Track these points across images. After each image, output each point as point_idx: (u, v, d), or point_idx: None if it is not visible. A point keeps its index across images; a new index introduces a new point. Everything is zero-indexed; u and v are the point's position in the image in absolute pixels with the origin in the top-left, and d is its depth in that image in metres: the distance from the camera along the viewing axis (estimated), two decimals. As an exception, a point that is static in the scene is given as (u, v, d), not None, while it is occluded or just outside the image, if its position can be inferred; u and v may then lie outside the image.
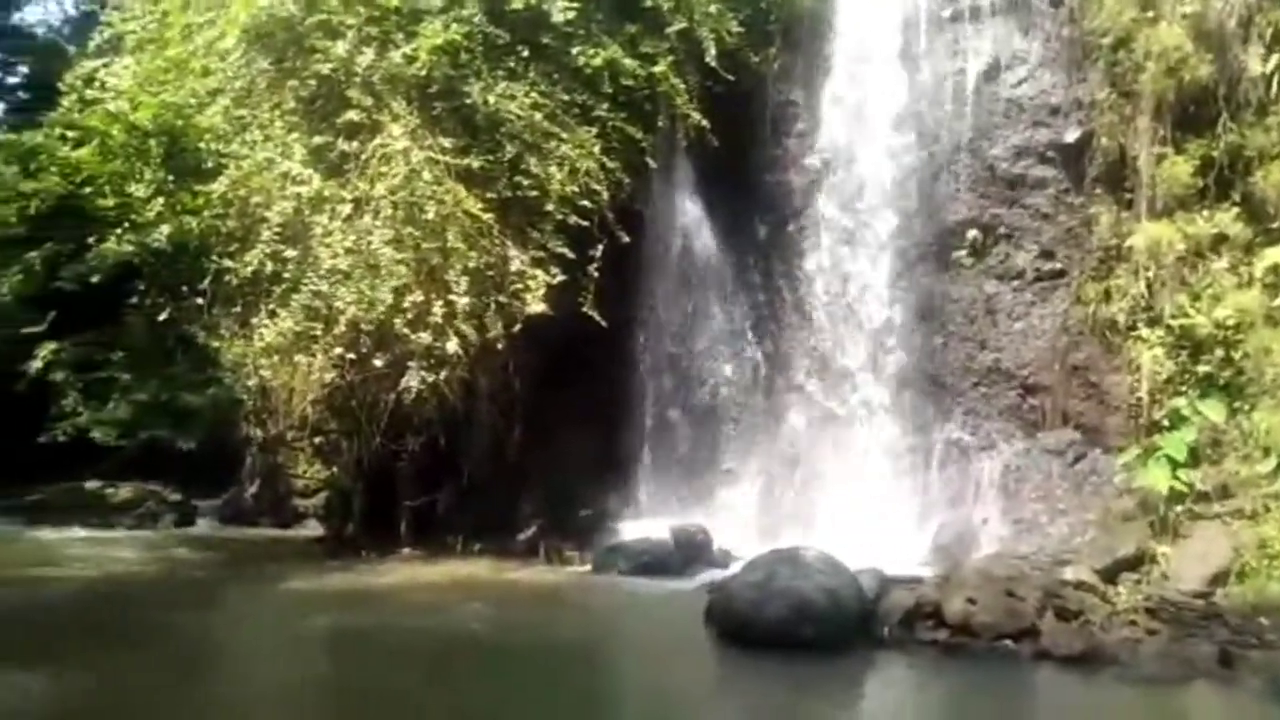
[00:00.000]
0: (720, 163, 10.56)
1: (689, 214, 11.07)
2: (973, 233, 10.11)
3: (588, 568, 9.59)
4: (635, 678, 6.53)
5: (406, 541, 10.60)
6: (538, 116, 9.13)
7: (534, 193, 9.09)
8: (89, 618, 7.54)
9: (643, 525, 10.05)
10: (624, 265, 10.02)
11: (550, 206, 9.12)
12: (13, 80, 18.44)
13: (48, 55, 15.76)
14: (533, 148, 9.08)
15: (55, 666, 6.06)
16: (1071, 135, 9.67)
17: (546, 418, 10.70)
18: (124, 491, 12.46)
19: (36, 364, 10.31)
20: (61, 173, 10.11)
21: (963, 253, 10.14)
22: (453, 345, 8.89)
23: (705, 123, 9.94)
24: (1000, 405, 10.03)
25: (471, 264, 8.92)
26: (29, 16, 19.50)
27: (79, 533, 11.43)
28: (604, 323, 9.31)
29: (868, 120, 10.51)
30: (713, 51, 9.89)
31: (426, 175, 8.66)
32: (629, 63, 9.69)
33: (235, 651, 7.09)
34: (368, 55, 8.75)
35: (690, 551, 9.30)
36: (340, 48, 8.71)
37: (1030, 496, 8.90)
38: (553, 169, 9.14)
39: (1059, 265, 9.87)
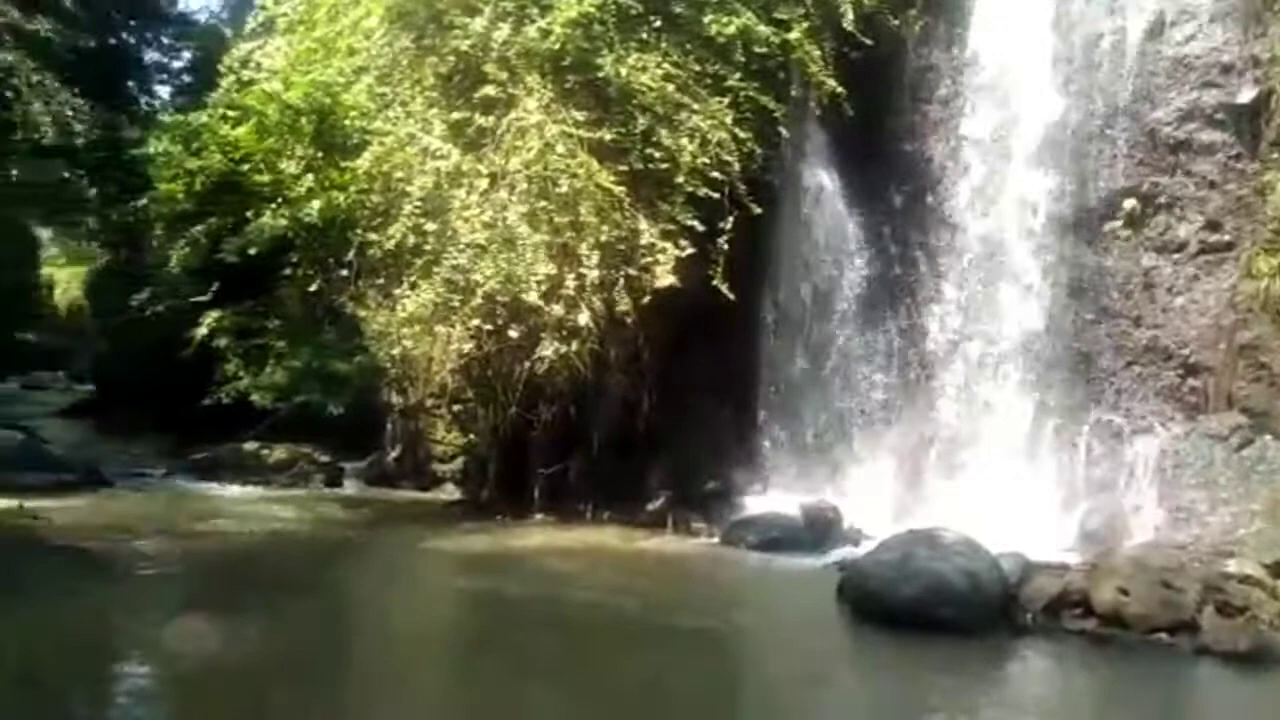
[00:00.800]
0: (855, 131, 10.25)
1: (822, 184, 10.81)
2: (1130, 202, 9.48)
3: (715, 540, 9.61)
4: (770, 654, 6.51)
5: (539, 507, 10.89)
6: (669, 88, 9.08)
7: (665, 165, 9.08)
8: (259, 569, 8.12)
9: (770, 499, 10.01)
10: (754, 237, 9.90)
11: (681, 179, 9.08)
12: (178, 64, 19.74)
13: (209, 40, 16.76)
14: (664, 119, 9.05)
15: (240, 614, 6.52)
16: (1246, 95, 8.92)
17: (675, 389, 10.75)
18: (279, 452, 13.22)
19: (202, 331, 11.04)
20: (222, 151, 10.74)
21: (1118, 224, 9.54)
22: (584, 317, 9.02)
23: (840, 90, 9.66)
24: (1157, 386, 9.43)
25: (603, 237, 9.00)
26: (192, 3, 20.82)
27: (240, 490, 12.25)
28: (733, 295, 9.24)
29: (1015, 85, 9.97)
30: (850, 16, 9.58)
31: (560, 149, 8.77)
32: (762, 30, 9.50)
33: (389, 607, 7.44)
34: (503, 30, 8.89)
35: (820, 528, 9.20)
36: (477, 24, 8.89)
37: (1189, 483, 8.34)
38: (684, 140, 9.08)
39: (1227, 237, 9.16)
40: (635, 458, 10.88)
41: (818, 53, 9.63)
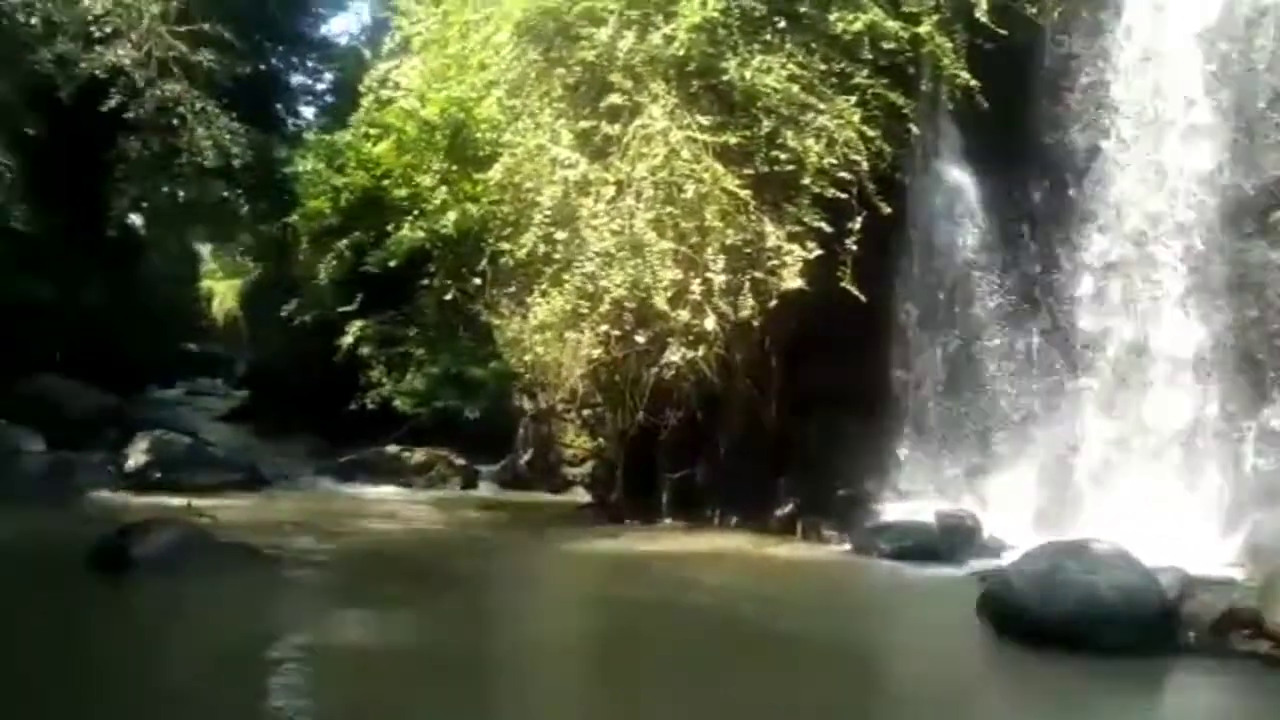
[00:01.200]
0: (989, 125, 9.84)
1: (955, 181, 10.44)
2: (1298, 189, 8.76)
3: (847, 547, 9.44)
4: (907, 671, 6.26)
5: (667, 512, 10.98)
6: (794, 88, 8.97)
7: (790, 166, 8.97)
8: (404, 567, 8.50)
9: (904, 507, 9.71)
10: (884, 237, 9.65)
11: (807, 180, 8.96)
12: (321, 86, 20.88)
13: (349, 61, 17.65)
14: (789, 121, 8.95)
15: (390, 607, 6.93)
16: None
17: (803, 394, 10.61)
18: (418, 455, 13.79)
19: (348, 340, 11.64)
20: (364, 167, 11.31)
21: (1284, 213, 8.82)
22: (710, 322, 9.02)
23: (974, 83, 9.31)
24: (1332, 388, 8.67)
25: (728, 241, 8.97)
26: (334, 28, 21.97)
27: (384, 490, 12.86)
28: (863, 297, 9.05)
29: (1167, 68, 9.36)
30: (983, 6, 9.22)
31: (685, 154, 8.80)
32: (890, 25, 9.26)
33: (525, 605, 7.66)
34: (628, 39, 8.99)
35: (958, 537, 8.89)
36: (603, 34, 9.02)
37: (1372, 495, 7.64)
38: (810, 141, 8.95)
39: None
40: (763, 463, 10.80)
41: (949, 45, 9.31)
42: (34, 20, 12.61)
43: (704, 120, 8.96)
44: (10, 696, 4.69)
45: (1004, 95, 9.65)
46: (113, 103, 12.81)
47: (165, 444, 12.22)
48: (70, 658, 5.48)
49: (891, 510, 9.73)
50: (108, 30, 12.29)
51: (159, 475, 11.54)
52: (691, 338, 9.17)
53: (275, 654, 5.88)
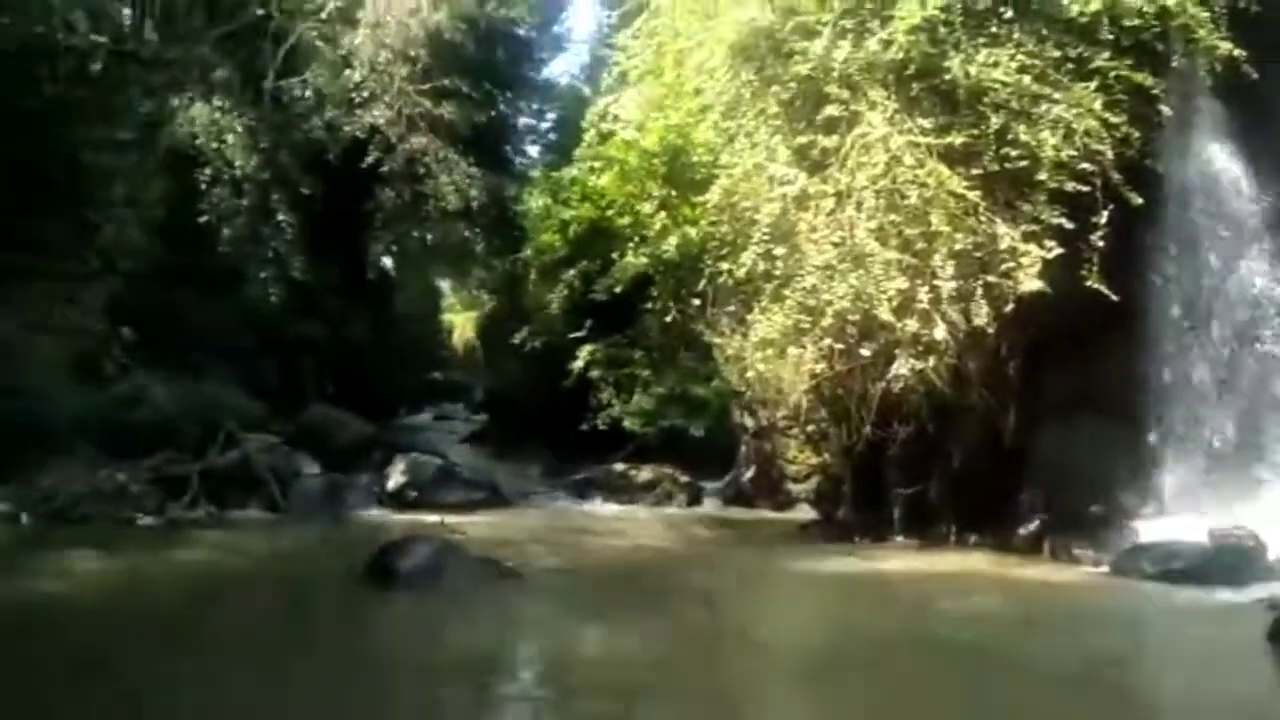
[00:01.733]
0: (1258, 97, 8.85)
1: (1216, 164, 9.46)
2: None
3: (1103, 569, 8.73)
4: (1206, 706, 5.44)
5: (898, 529, 10.63)
6: (1025, 80, 8.48)
7: (1024, 163, 8.47)
8: (641, 581, 8.77)
9: (1165, 524, 8.86)
10: (1135, 229, 8.89)
11: (1043, 175, 8.42)
12: (545, 126, 22.12)
13: (570, 100, 18.61)
14: (1020, 115, 8.47)
15: (632, 622, 7.11)
16: None
17: (1045, 402, 9.95)
18: (644, 473, 14.15)
19: (579, 364, 12.19)
20: (590, 200, 11.86)
21: None
22: (940, 331, 8.66)
23: (1237, 52, 8.41)
24: None
25: (957, 246, 8.59)
26: (554, 70, 23.20)
27: (613, 508, 13.29)
28: (1114, 296, 8.37)
29: None
30: (1246, -36, 8.33)
31: (907, 159, 8.55)
32: (1132, 1, 8.57)
33: (756, 623, 7.65)
34: (844, 48, 8.87)
35: (1235, 559, 8.02)
36: (817, 46, 8.95)
37: None
38: (1044, 134, 8.42)
39: None
40: (1003, 477, 10.19)
41: (1205, 14, 8.48)
42: (307, 93, 14.33)
43: (926, 123, 8.67)
44: (287, 694, 5.26)
45: (1272, 65, 8.66)
46: (370, 159, 14.34)
47: (419, 466, 13.23)
48: (345, 659, 6.09)
49: (1151, 528, 8.91)
50: (365, 95, 13.79)
51: (415, 494, 12.49)
52: (920, 348, 8.85)
53: (527, 663, 6.26)
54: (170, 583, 8.19)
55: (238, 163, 13.95)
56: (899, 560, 9.69)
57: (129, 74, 5.07)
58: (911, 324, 8.69)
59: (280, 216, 14.65)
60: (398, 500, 12.29)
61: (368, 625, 7.12)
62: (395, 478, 12.67)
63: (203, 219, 13.87)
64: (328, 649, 6.41)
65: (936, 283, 8.58)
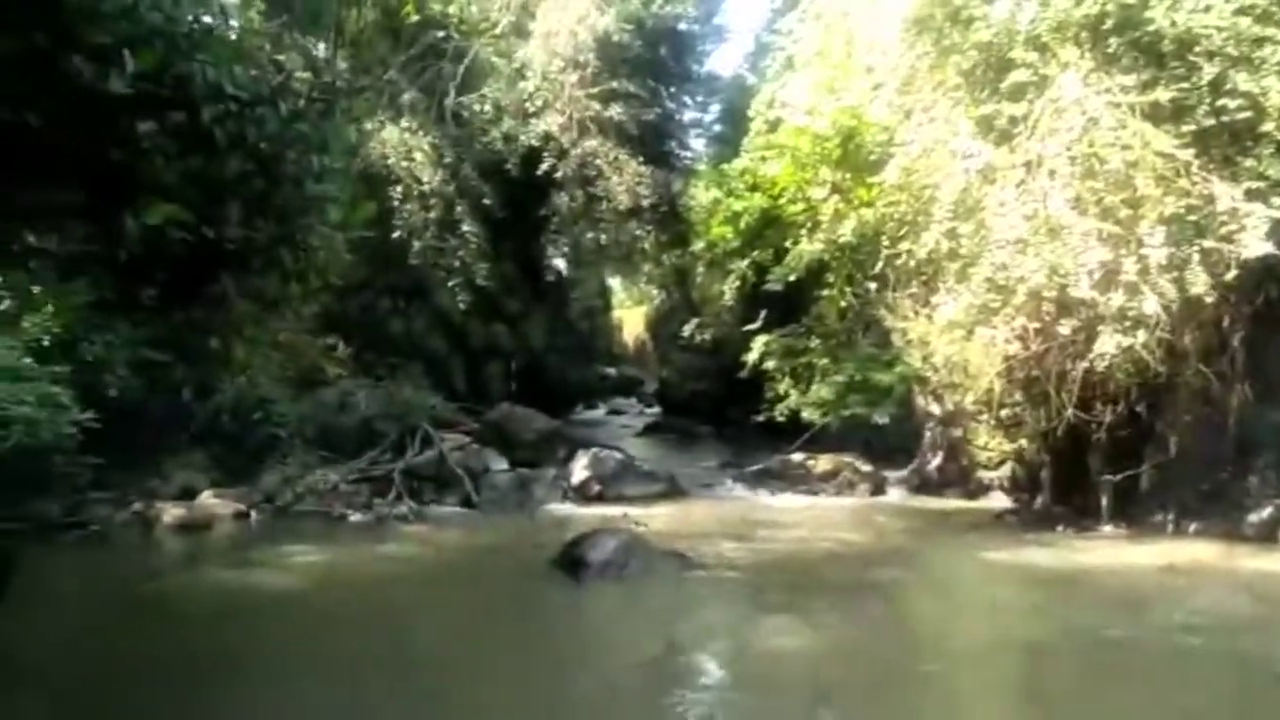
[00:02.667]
0: None
1: None
2: None
3: (1357, 559, 7.83)
4: None
5: (1106, 517, 9.96)
6: (1243, 23, 7.71)
7: (1244, 114, 7.72)
8: (824, 572, 8.65)
9: None
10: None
11: (1270, 126, 7.65)
12: (709, 118, 22.07)
13: (734, 91, 18.50)
14: (1240, 61, 7.71)
15: (816, 613, 7.05)
16: None
17: (1274, 376, 9.03)
18: (823, 463, 13.89)
19: (753, 355, 12.10)
20: (761, 189, 11.74)
21: None
22: (1150, 304, 8.02)
23: None
24: None
25: (1167, 211, 7.93)
26: (716, 63, 23.09)
27: (792, 498, 13.10)
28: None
29: None
30: None
31: (1106, 121, 7.96)
32: (1370, -77, 7.63)
33: (950, 618, 7.42)
34: (1030, 8, 8.36)
35: None
36: (1001, 9, 8.49)
37: None
38: (1269, 80, 7.64)
39: None
40: (1224, 460, 9.37)
41: None
42: (486, 107, 15.00)
43: (1127, 80, 8.04)
44: (496, 675, 5.54)
45: None
46: (545, 165, 14.80)
47: (601, 460, 13.54)
48: (542, 645, 6.40)
49: None
50: (539, 104, 14.25)
51: (598, 488, 12.79)
52: (1128, 323, 8.22)
53: (711, 649, 6.33)
54: (381, 572, 8.78)
55: (425, 179, 14.79)
56: (1109, 551, 9.07)
57: (334, 105, 5.50)
58: (1117, 297, 8.09)
59: (464, 227, 15.43)
60: (582, 494, 12.60)
61: (561, 613, 7.41)
62: (579, 472, 13.00)
63: (395, 234, 14.80)
64: (526, 634, 6.74)
65: (1144, 251, 7.96)
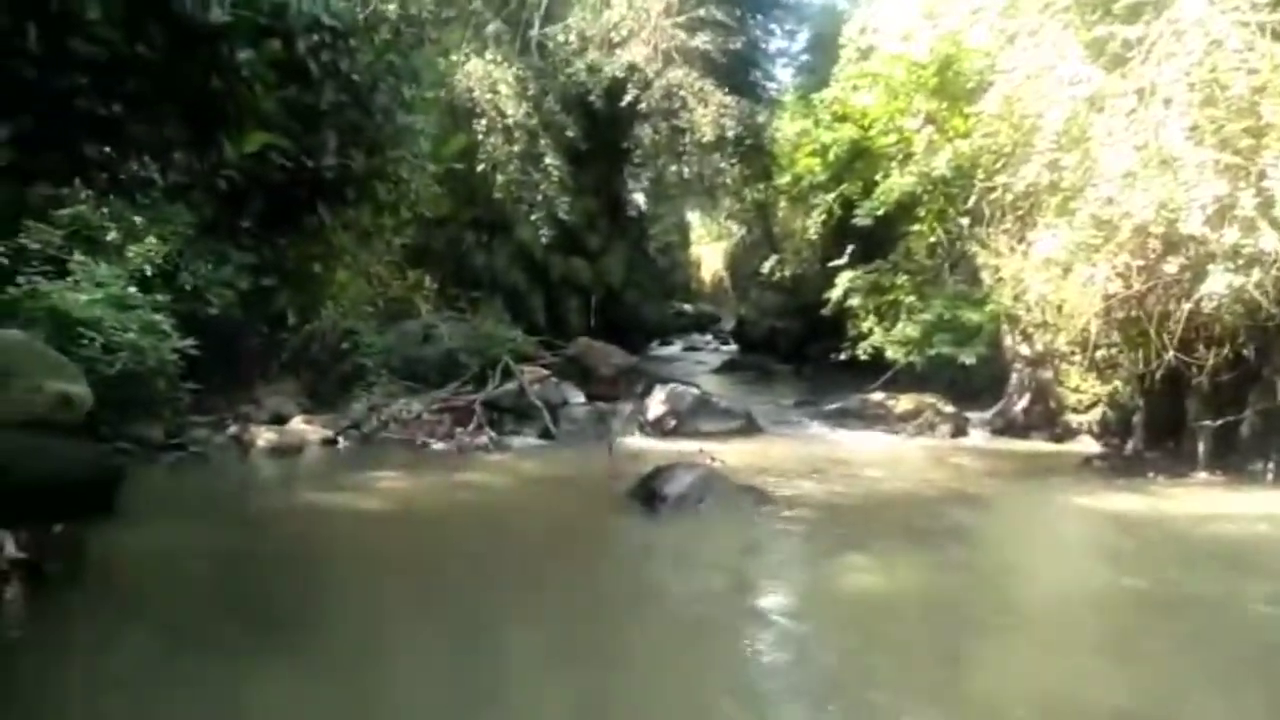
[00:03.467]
0: None
1: None
2: None
3: None
4: None
5: (1201, 465, 9.60)
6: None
7: (1388, 33, 7.10)
8: (904, 513, 8.49)
9: None
10: None
11: None
12: (797, 48, 21.35)
13: (823, 18, 17.80)
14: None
15: (895, 554, 6.96)
16: None
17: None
18: (904, 402, 13.61)
19: (837, 292, 11.87)
20: (851, 120, 11.35)
21: None
22: (1268, 241, 7.56)
23: None
24: None
25: (1295, 141, 7.42)
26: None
27: (871, 437, 12.91)
28: None
29: None
30: None
31: (1232, 43, 7.42)
32: None
33: (1035, 565, 7.21)
34: (1149, -79, 7.81)
35: None
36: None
37: None
38: None
39: None
40: (1338, 409, 8.89)
41: None
42: (570, 38, 14.74)
43: (1260, -2, 7.45)
44: (573, 604, 5.69)
45: None
46: (629, 97, 14.52)
47: (678, 396, 13.54)
48: (618, 576, 6.54)
49: None
50: (624, 34, 13.92)
51: (674, 423, 12.81)
52: (1240, 261, 7.78)
53: (783, 586, 6.38)
54: (462, 499, 9.00)
55: (509, 111, 14.69)
56: (1200, 499, 8.73)
57: (423, 37, 5.48)
58: (1230, 234, 7.64)
59: (547, 160, 15.33)
60: (658, 428, 12.64)
61: (634, 544, 7.50)
62: (655, 407, 13.05)
63: (479, 168, 14.80)
64: (599, 562, 6.88)
65: (1265, 184, 7.46)
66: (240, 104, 3.61)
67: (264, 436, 10.70)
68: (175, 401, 9.01)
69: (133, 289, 7.73)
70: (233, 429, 10.71)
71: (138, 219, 6.34)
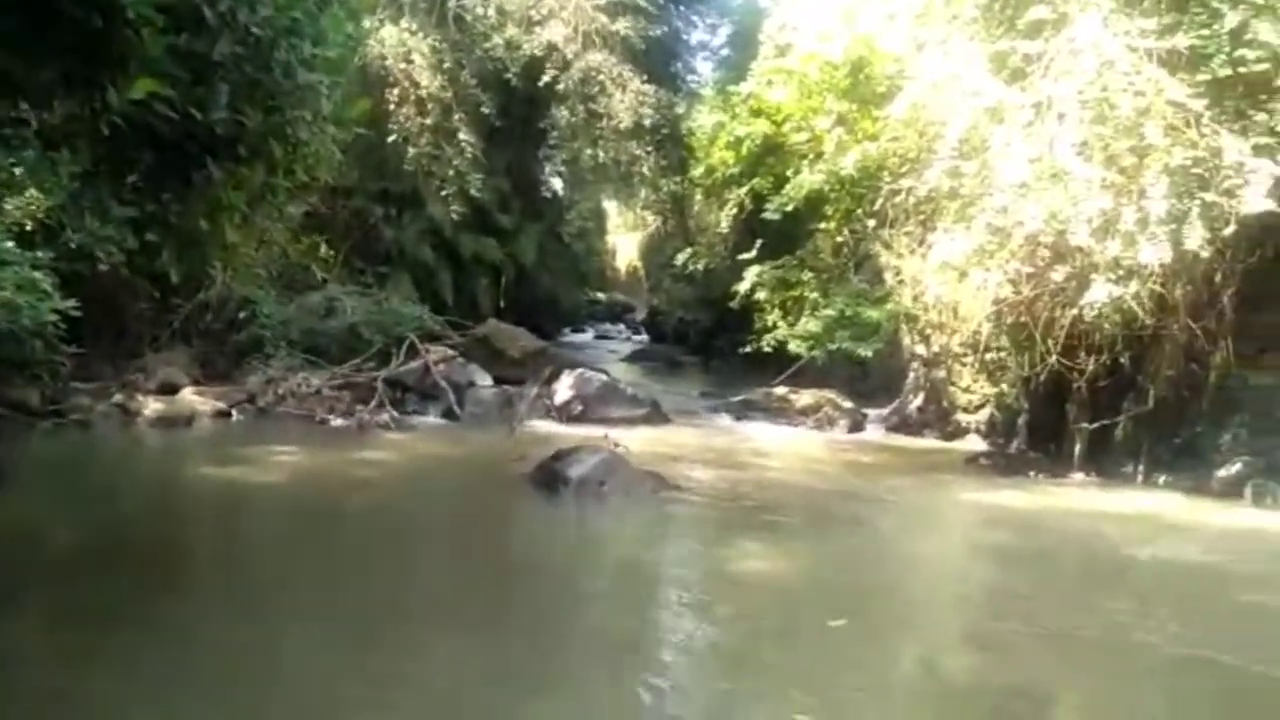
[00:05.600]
0: None
1: None
2: None
3: (1316, 518, 8.00)
4: None
5: (1078, 465, 10.10)
6: (1271, -31, 7.54)
7: (1262, 66, 7.58)
8: (798, 502, 8.77)
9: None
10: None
11: (1284, 79, 7.53)
12: (717, 41, 21.51)
13: (745, 14, 17.98)
14: (1263, 10, 7.53)
15: (785, 539, 7.22)
16: None
17: (1259, 337, 9.09)
18: (805, 397, 13.94)
19: (745, 285, 12.06)
20: (765, 115, 11.53)
21: None
22: (1146, 254, 8.00)
23: None
24: None
25: (1172, 161, 7.85)
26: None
27: (772, 430, 13.20)
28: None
29: None
30: None
31: (1121, 65, 7.81)
32: None
33: (918, 551, 7.54)
34: (1053, -57, 8.15)
35: None
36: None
37: None
38: (1290, 32, 7.49)
39: None
40: (1202, 417, 9.47)
41: None
42: (489, 12, 14.51)
43: (1148, 24, 7.87)
44: (465, 578, 5.73)
45: None
46: (547, 77, 14.39)
47: (585, 381, 13.55)
48: (515, 553, 6.60)
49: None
50: (544, 12, 13.78)
51: (580, 408, 12.83)
52: (1120, 273, 8.22)
53: (679, 567, 6.54)
54: (360, 476, 8.87)
55: (423, 82, 14.38)
56: (1077, 497, 9.22)
57: (334, -4, 5.34)
58: (1112, 246, 8.07)
59: (461, 135, 15.09)
60: (564, 413, 12.64)
61: (534, 524, 7.56)
62: (562, 391, 13.03)
63: (390, 139, 14.46)
64: (497, 540, 6.94)
65: (1145, 202, 7.89)
66: (125, 47, 3.43)
67: (151, 406, 10.29)
68: (54, 365, 8.57)
69: (10, 244, 7.32)
70: (118, 397, 10.27)
71: (17, 170, 5.98)
